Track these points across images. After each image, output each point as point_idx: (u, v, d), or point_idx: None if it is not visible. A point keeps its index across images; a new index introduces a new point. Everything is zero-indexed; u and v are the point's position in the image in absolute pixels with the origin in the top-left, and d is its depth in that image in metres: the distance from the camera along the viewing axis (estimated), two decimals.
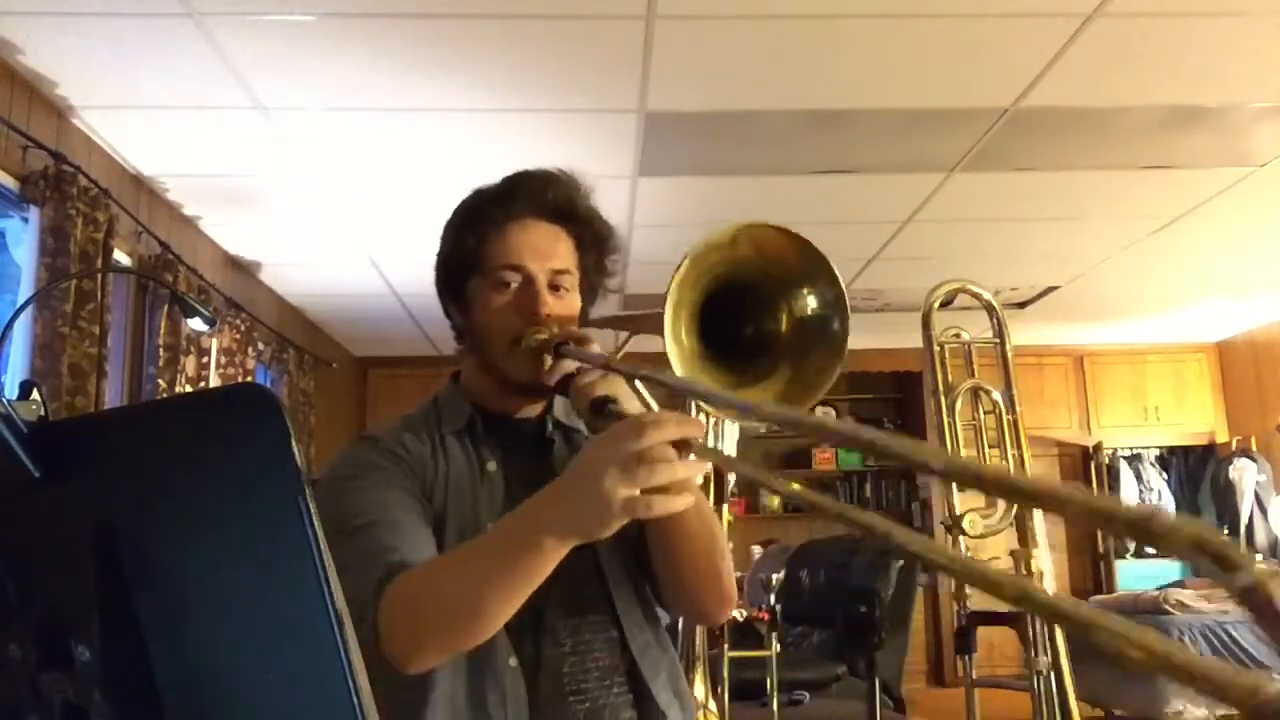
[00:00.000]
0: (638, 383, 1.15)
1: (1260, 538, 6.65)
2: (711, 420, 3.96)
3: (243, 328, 4.69)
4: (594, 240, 1.31)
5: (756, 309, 1.16)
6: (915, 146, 3.71)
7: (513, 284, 1.25)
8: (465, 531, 1.21)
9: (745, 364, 1.14)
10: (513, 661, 1.19)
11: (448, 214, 1.32)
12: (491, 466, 1.28)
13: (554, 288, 1.26)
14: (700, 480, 1.22)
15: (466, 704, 1.18)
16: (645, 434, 0.93)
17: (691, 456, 0.94)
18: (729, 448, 3.67)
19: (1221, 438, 7.14)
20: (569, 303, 1.27)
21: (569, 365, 1.18)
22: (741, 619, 3.58)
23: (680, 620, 2.23)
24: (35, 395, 0.66)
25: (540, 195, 1.28)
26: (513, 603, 1.06)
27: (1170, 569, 7.06)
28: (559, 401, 1.33)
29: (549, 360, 1.19)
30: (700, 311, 1.10)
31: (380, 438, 1.28)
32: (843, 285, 1.12)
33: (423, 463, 1.26)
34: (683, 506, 0.96)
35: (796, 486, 0.83)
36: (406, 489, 1.22)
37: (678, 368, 1.05)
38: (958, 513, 2.57)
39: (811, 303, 1.14)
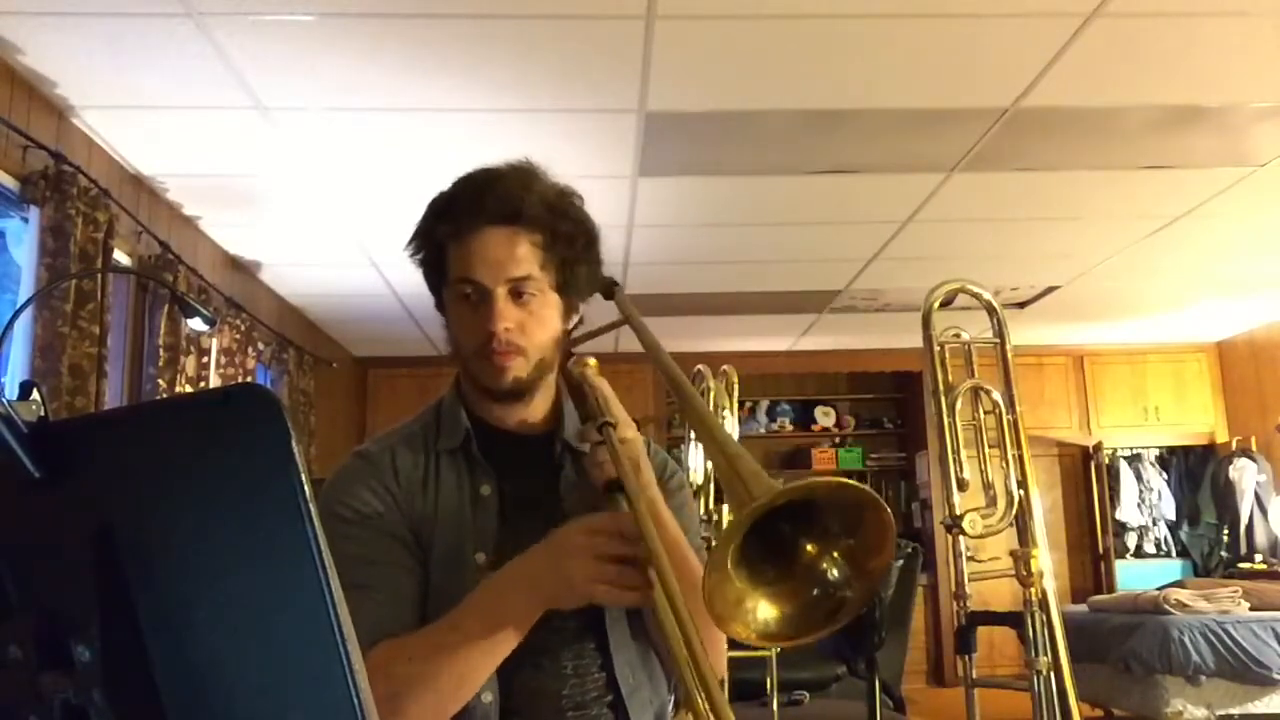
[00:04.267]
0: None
1: (1260, 538, 6.66)
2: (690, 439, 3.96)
3: (243, 328, 4.69)
4: (557, 234, 1.23)
5: (804, 525, 0.99)
6: (915, 146, 3.71)
7: (472, 296, 1.23)
8: (449, 568, 1.21)
9: (771, 561, 1.00)
10: (487, 697, 1.17)
11: None
12: (485, 490, 1.25)
13: (517, 294, 1.22)
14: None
15: None
16: (612, 536, 1.08)
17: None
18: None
19: (1221, 438, 7.14)
20: (537, 309, 1.23)
21: (586, 373, 1.26)
22: None
23: None
24: (35, 395, 0.66)
25: (480, 202, 1.23)
26: (486, 667, 1.12)
27: (1170, 569, 7.06)
28: (569, 421, 1.31)
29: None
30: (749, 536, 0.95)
31: (375, 457, 1.27)
32: (879, 594, 1.00)
33: (411, 494, 1.24)
34: (631, 602, 1.10)
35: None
36: (394, 535, 1.21)
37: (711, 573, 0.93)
38: (958, 513, 2.57)
39: (838, 573, 0.97)
